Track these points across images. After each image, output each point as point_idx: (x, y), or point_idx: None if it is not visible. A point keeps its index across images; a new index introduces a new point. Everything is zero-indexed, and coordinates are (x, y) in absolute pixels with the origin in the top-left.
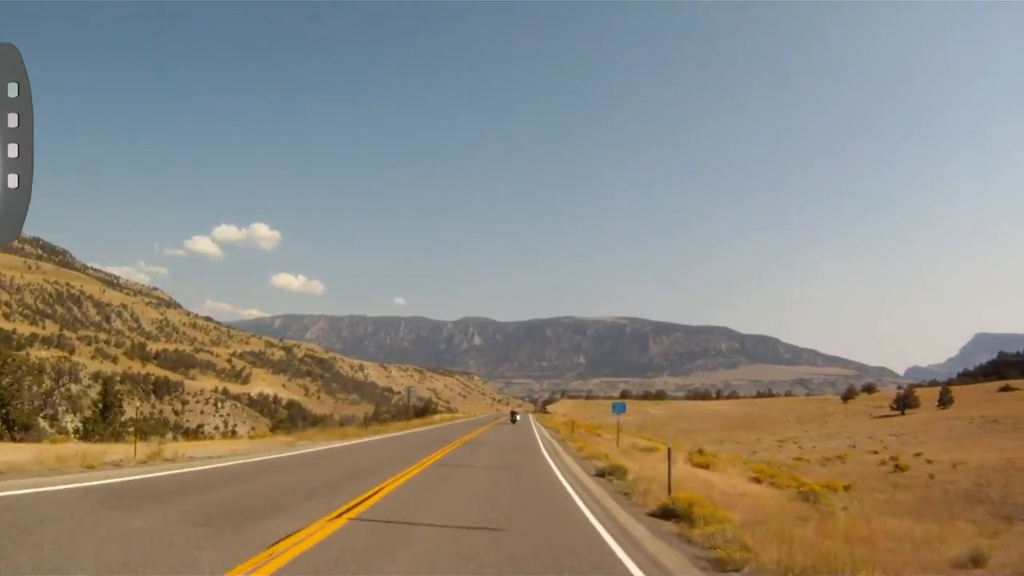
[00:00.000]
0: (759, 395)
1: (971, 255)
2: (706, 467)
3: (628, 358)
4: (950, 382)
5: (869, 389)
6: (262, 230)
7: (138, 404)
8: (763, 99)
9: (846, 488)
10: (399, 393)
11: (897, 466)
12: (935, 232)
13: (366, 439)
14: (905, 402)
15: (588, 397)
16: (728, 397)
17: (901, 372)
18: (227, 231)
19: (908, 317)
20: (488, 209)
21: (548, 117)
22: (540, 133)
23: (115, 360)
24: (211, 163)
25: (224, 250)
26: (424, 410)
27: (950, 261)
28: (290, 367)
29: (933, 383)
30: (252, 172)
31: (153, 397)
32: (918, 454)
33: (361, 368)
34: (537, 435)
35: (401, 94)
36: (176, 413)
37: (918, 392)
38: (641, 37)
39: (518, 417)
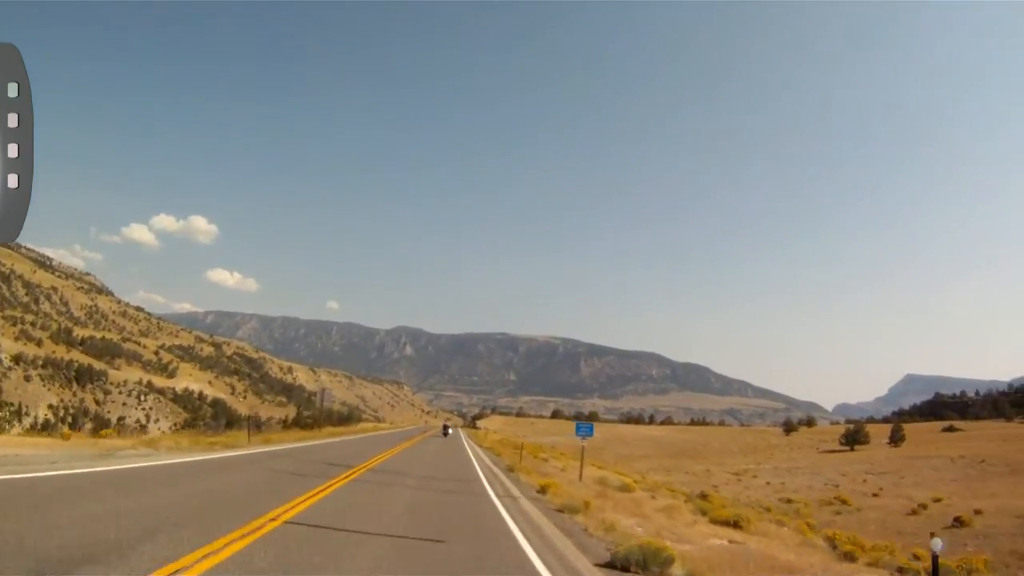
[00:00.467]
0: (693, 423)
1: (903, 297)
2: (735, 525)
3: (559, 378)
4: (886, 420)
5: (809, 423)
6: (200, 223)
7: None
8: (694, 126)
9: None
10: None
11: (959, 520)
12: (869, 272)
13: (241, 452)
14: (855, 438)
15: (519, 415)
16: (663, 423)
17: (830, 408)
18: (165, 221)
19: (839, 355)
20: (426, 221)
21: (490, 126)
22: (484, 144)
23: (39, 343)
24: (152, 152)
25: (161, 240)
26: (348, 417)
27: (882, 302)
28: (218, 364)
29: (871, 420)
30: (194, 164)
31: (75, 385)
32: (937, 499)
33: (290, 370)
34: (473, 459)
35: (346, 98)
36: (98, 403)
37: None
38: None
39: (450, 431)
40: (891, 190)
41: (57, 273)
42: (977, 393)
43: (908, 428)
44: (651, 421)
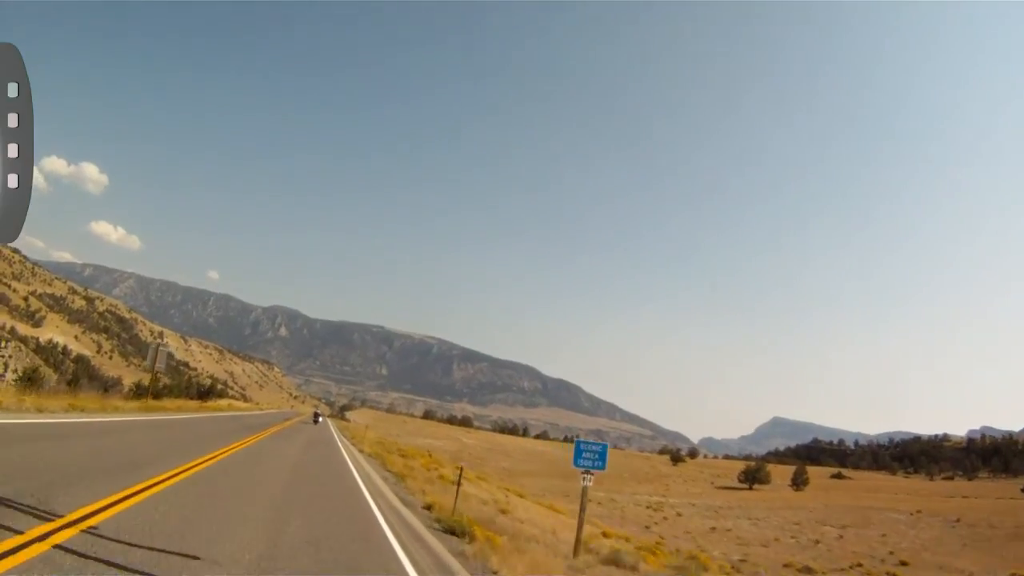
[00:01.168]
0: (567, 440)
1: (776, 339)
2: None
3: (430, 378)
4: (763, 458)
5: (692, 454)
6: (91, 171)
7: None
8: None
9: None
10: (195, 370)
11: None
12: (745, 308)
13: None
14: (754, 476)
15: (390, 411)
16: (537, 436)
17: (695, 440)
18: (55, 163)
19: (710, 389)
20: (316, 207)
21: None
22: (395, 129)
23: None
24: (50, 88)
25: (49, 183)
26: (208, 391)
27: (754, 343)
28: (88, 319)
29: (748, 457)
30: (92, 108)
31: None
32: None
33: (161, 336)
34: (359, 478)
35: (251, 72)
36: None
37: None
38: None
39: (320, 419)
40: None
41: None
42: (856, 443)
43: (786, 470)
44: (525, 433)
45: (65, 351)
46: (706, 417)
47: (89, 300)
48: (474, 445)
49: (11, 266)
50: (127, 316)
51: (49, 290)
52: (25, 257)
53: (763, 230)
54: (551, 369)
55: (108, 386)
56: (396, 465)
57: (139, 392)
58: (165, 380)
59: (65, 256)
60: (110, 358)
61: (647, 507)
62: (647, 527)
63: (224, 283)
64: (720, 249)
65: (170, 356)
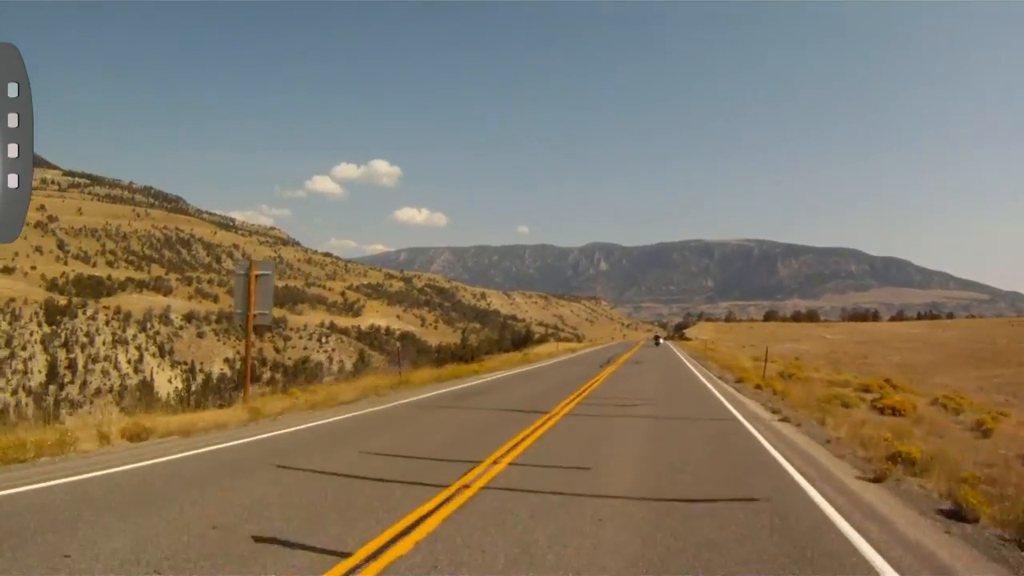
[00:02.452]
0: (920, 316)
1: None
2: None
3: (756, 281)
4: None
5: None
6: (382, 166)
7: None
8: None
9: None
10: (523, 321)
11: None
12: None
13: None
14: None
15: (728, 319)
16: (898, 318)
17: None
18: (346, 169)
19: None
20: (612, 136)
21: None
22: (662, 43)
23: (216, 299)
24: (325, 104)
25: (345, 188)
26: (525, 339)
27: None
28: (408, 298)
29: None
30: (368, 109)
31: (253, 335)
32: None
33: (483, 296)
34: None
35: (514, 21)
36: (277, 351)
37: None
38: None
39: (660, 342)
40: None
41: (240, 232)
42: None
43: None
44: (876, 318)
45: (388, 331)
46: None
47: (406, 280)
48: (842, 340)
49: (324, 269)
50: (446, 286)
51: (365, 281)
52: (337, 258)
53: None
54: (878, 247)
55: (401, 360)
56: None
57: (439, 358)
58: (485, 337)
59: (378, 248)
60: (435, 328)
61: None
62: None
63: (536, 235)
64: None
65: (457, 305)
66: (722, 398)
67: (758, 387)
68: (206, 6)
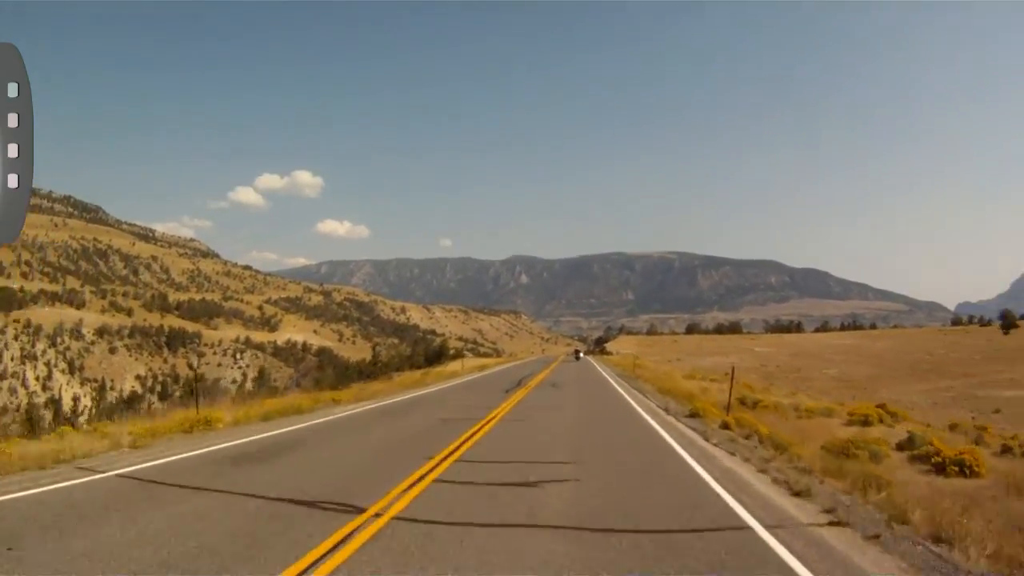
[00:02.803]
0: (843, 327)
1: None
2: None
3: (677, 293)
4: None
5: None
6: (304, 177)
7: None
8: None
9: None
10: (442, 335)
11: None
12: (990, 161)
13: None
14: None
15: (651, 332)
16: (822, 329)
17: (951, 307)
18: (269, 180)
19: (958, 252)
20: (534, 151)
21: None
22: (588, 74)
23: (130, 313)
24: (249, 113)
25: (267, 199)
26: (439, 354)
27: (1002, 192)
28: (327, 312)
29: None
30: (292, 122)
31: (166, 351)
32: None
33: (403, 310)
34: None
35: (438, 47)
36: (190, 367)
37: None
38: None
39: (581, 355)
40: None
41: (160, 243)
42: None
43: None
44: (799, 329)
45: (305, 347)
46: (956, 281)
47: (326, 294)
48: (772, 353)
49: (243, 282)
50: (365, 300)
51: (284, 294)
52: (256, 271)
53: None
54: (796, 259)
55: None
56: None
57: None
58: (394, 354)
59: (300, 261)
60: (353, 343)
61: None
62: None
63: (458, 248)
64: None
65: (376, 319)
66: (685, 455)
67: (725, 425)
68: (129, 8)
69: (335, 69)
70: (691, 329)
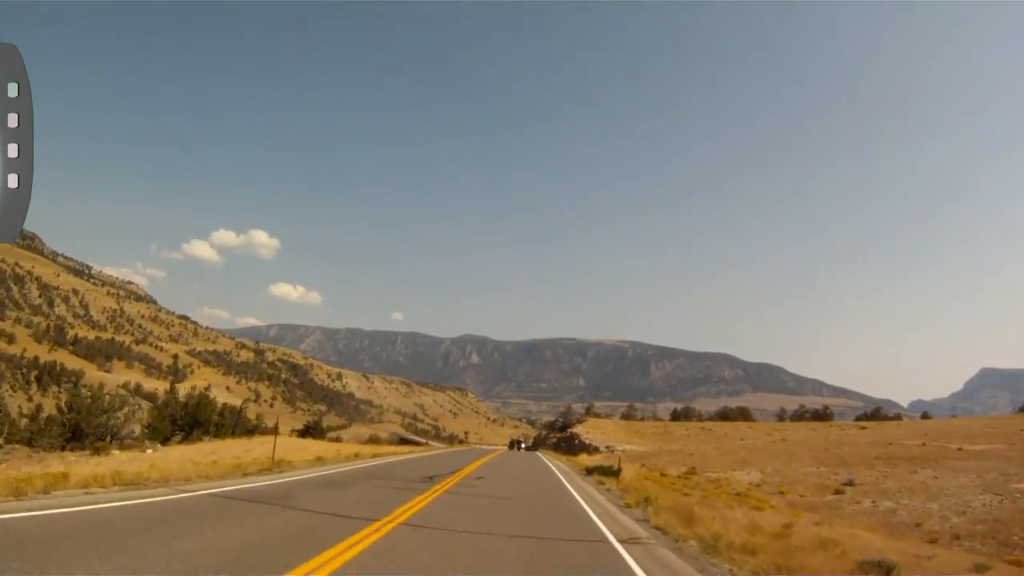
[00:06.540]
0: (799, 419)
1: (977, 290)
2: None
3: (629, 382)
4: None
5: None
6: (261, 237)
7: None
8: (775, 124)
9: None
10: (379, 407)
11: None
12: (942, 265)
13: None
14: None
15: (626, 417)
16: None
17: (906, 404)
18: (225, 236)
19: (911, 350)
20: (490, 229)
21: (548, 135)
22: (545, 152)
23: (11, 340)
24: (211, 167)
25: (222, 255)
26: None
27: (954, 294)
28: (254, 370)
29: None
30: (252, 178)
31: (35, 386)
32: None
33: (340, 376)
34: None
35: (409, 112)
36: (61, 411)
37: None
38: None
39: (522, 447)
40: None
41: (93, 281)
42: None
43: None
44: (748, 419)
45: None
46: (911, 380)
47: (259, 352)
48: (727, 443)
49: (169, 329)
50: (302, 363)
51: (212, 347)
52: (187, 320)
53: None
54: (751, 354)
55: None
56: None
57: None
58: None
59: (251, 321)
60: (270, 405)
61: None
62: None
63: (410, 322)
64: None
65: (308, 383)
66: None
67: None
68: (91, 50)
69: (296, 130)
70: (681, 415)
